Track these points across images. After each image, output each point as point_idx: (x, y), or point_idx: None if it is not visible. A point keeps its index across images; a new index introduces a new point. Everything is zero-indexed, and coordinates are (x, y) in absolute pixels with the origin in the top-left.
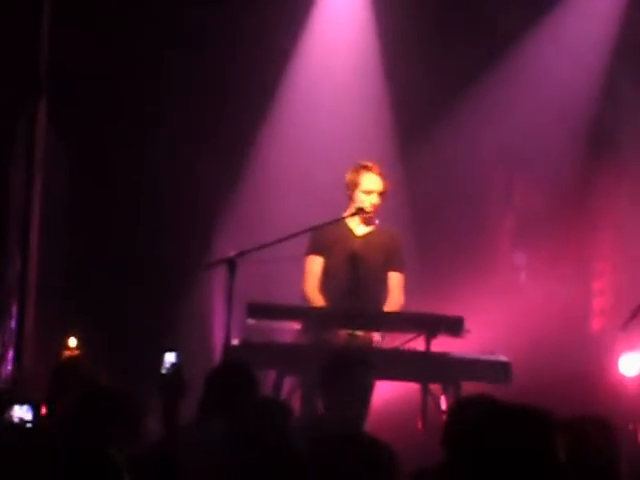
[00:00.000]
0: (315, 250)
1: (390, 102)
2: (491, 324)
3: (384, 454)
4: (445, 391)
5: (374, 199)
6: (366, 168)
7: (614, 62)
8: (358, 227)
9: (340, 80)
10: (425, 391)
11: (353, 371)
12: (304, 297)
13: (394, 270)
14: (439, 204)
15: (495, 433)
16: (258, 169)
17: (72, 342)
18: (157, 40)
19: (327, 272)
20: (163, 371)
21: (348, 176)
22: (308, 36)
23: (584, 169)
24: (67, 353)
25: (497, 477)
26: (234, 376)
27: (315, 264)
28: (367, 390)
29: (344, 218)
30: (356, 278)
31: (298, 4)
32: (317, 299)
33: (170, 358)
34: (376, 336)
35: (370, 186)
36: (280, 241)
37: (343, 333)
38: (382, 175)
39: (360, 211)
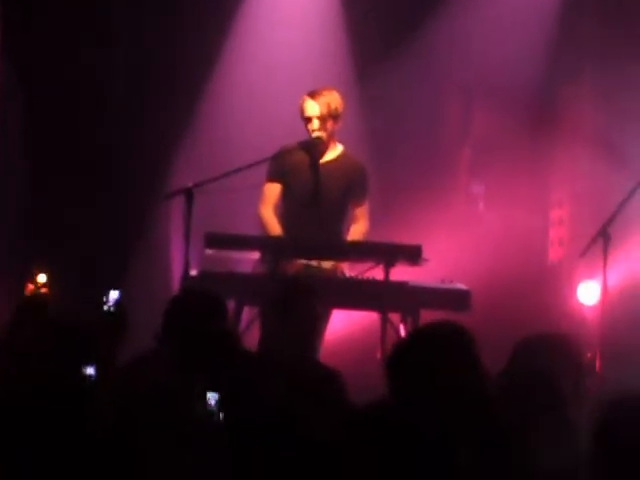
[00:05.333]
0: (273, 176)
1: (348, 33)
2: (450, 253)
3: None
4: (404, 320)
5: (315, 125)
6: (310, 94)
7: None
8: (319, 154)
9: (298, 9)
10: (384, 320)
11: (303, 300)
12: (259, 220)
13: (356, 201)
14: (397, 135)
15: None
16: (219, 97)
17: (41, 278)
18: None
19: (285, 199)
20: (106, 308)
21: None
22: None
23: (544, 96)
24: (31, 288)
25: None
26: (194, 303)
27: (273, 190)
28: (318, 320)
29: (300, 145)
30: (314, 206)
31: None
32: (272, 223)
33: (114, 295)
34: (335, 266)
35: (307, 112)
36: (237, 171)
37: (299, 263)
38: (330, 99)
39: (310, 138)
